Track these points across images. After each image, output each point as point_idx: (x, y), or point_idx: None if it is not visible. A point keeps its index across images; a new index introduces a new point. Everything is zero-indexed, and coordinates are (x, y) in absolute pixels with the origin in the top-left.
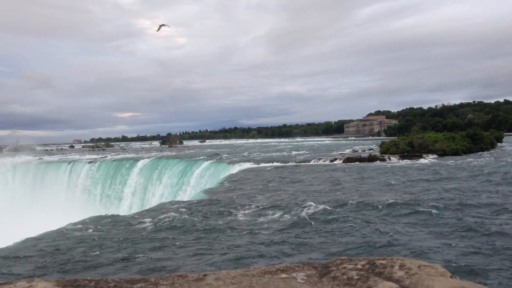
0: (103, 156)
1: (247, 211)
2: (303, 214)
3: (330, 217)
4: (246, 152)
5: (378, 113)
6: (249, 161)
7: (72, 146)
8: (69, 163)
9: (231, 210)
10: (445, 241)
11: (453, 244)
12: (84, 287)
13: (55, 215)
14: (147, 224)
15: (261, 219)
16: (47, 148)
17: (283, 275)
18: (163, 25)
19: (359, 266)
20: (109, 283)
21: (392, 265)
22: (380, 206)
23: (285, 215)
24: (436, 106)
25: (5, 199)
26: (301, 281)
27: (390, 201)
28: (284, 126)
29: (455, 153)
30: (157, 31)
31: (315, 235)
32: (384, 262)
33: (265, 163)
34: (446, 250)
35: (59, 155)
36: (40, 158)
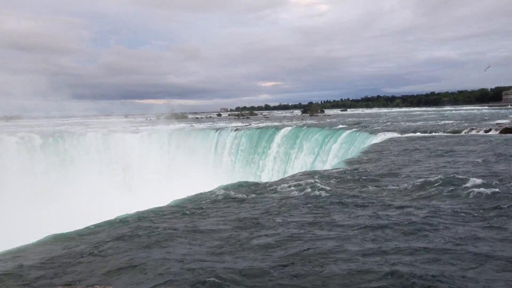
0: (247, 124)
1: (393, 183)
2: (460, 191)
3: (496, 196)
4: (390, 121)
5: None
6: (392, 130)
7: (219, 115)
8: (217, 130)
9: (376, 181)
10: None
11: None
12: None
13: (204, 179)
14: (292, 191)
15: (410, 193)
16: (197, 116)
17: None
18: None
19: None
20: None
21: None
22: None
23: (437, 190)
24: None
25: (162, 163)
26: None
27: None
28: (432, 94)
29: None
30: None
31: (486, 220)
32: None
33: (410, 133)
34: None
35: (207, 122)
36: (191, 126)
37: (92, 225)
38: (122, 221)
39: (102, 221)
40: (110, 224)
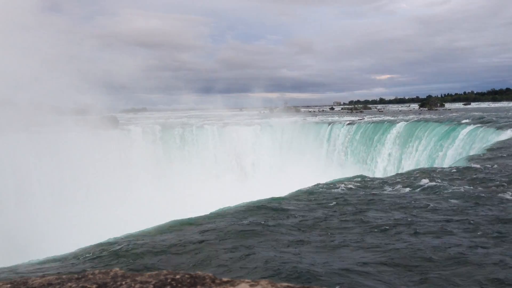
0: (361, 118)
1: None
2: None
3: None
4: None
5: None
6: None
7: (332, 108)
8: (329, 124)
9: (503, 181)
10: None
11: None
12: None
13: (316, 172)
14: (411, 188)
15: None
16: (310, 109)
17: None
18: None
19: None
20: None
21: None
22: None
23: None
24: None
25: (274, 156)
26: None
27: None
28: None
29: None
30: None
31: None
32: None
33: None
34: None
35: (320, 116)
36: (304, 119)
37: (206, 214)
38: (236, 210)
39: (216, 210)
40: (223, 213)
